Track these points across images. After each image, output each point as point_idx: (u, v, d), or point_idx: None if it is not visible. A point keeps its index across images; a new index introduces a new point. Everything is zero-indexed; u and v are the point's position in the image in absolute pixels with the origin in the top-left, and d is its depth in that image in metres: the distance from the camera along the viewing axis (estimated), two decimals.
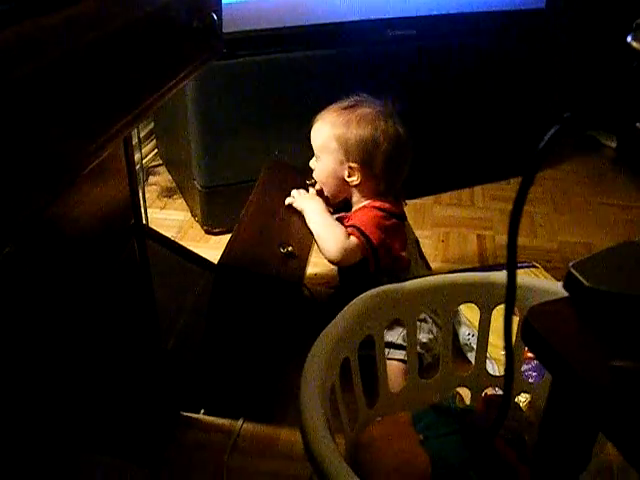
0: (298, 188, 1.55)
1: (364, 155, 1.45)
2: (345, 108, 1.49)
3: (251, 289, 1.27)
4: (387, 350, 1.40)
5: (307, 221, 1.47)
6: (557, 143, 0.52)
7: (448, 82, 2.12)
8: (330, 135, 1.47)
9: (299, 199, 1.51)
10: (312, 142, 1.53)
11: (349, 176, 1.48)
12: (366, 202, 1.50)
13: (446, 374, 1.26)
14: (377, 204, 1.48)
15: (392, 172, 1.49)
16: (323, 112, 1.52)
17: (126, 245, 1.14)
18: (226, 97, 1.87)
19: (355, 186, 1.50)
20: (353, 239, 1.41)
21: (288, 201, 1.52)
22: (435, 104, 2.15)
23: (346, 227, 1.44)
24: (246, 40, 1.81)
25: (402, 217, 1.53)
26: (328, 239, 1.42)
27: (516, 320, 0.91)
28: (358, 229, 1.42)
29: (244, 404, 1.37)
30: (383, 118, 1.47)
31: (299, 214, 1.49)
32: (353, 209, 1.53)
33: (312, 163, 1.56)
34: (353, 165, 1.46)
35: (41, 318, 0.89)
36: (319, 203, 1.49)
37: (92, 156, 0.70)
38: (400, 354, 1.38)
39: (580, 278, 0.57)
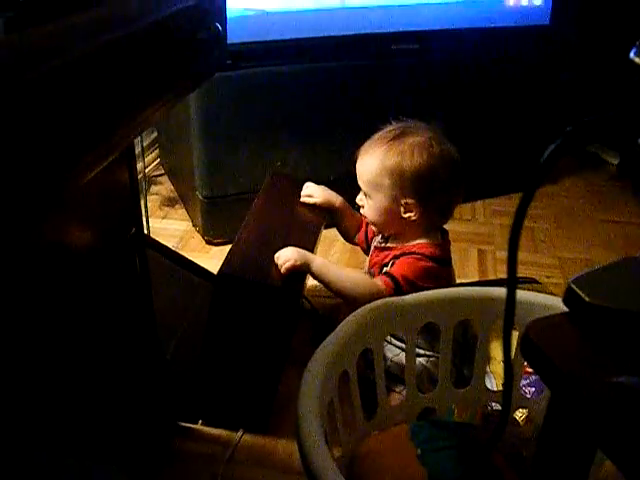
0: (300, 200, 1.55)
1: (421, 188, 1.33)
2: (394, 138, 1.36)
3: (251, 300, 1.27)
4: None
5: (321, 276, 1.36)
6: (559, 158, 0.53)
7: (450, 97, 2.12)
8: (381, 170, 1.34)
9: (284, 258, 1.31)
10: (359, 178, 1.40)
11: (405, 212, 1.36)
12: (416, 242, 1.38)
13: (444, 388, 1.25)
14: (427, 250, 1.35)
15: (449, 201, 1.39)
16: (368, 144, 1.39)
17: (126, 254, 1.13)
18: (229, 108, 1.88)
19: (411, 222, 1.37)
20: (382, 288, 1.31)
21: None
22: (437, 119, 2.15)
23: (381, 268, 1.37)
24: (250, 52, 1.82)
25: (449, 259, 1.42)
26: (355, 292, 1.33)
27: (515, 335, 0.91)
28: (393, 280, 1.32)
29: (242, 415, 1.36)
30: (436, 144, 1.35)
31: (300, 225, 1.48)
32: (403, 244, 1.40)
33: (360, 200, 1.44)
34: (409, 201, 1.34)
35: (41, 326, 0.89)
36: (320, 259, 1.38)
37: (93, 165, 0.71)
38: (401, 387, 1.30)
39: (580, 294, 0.57)
